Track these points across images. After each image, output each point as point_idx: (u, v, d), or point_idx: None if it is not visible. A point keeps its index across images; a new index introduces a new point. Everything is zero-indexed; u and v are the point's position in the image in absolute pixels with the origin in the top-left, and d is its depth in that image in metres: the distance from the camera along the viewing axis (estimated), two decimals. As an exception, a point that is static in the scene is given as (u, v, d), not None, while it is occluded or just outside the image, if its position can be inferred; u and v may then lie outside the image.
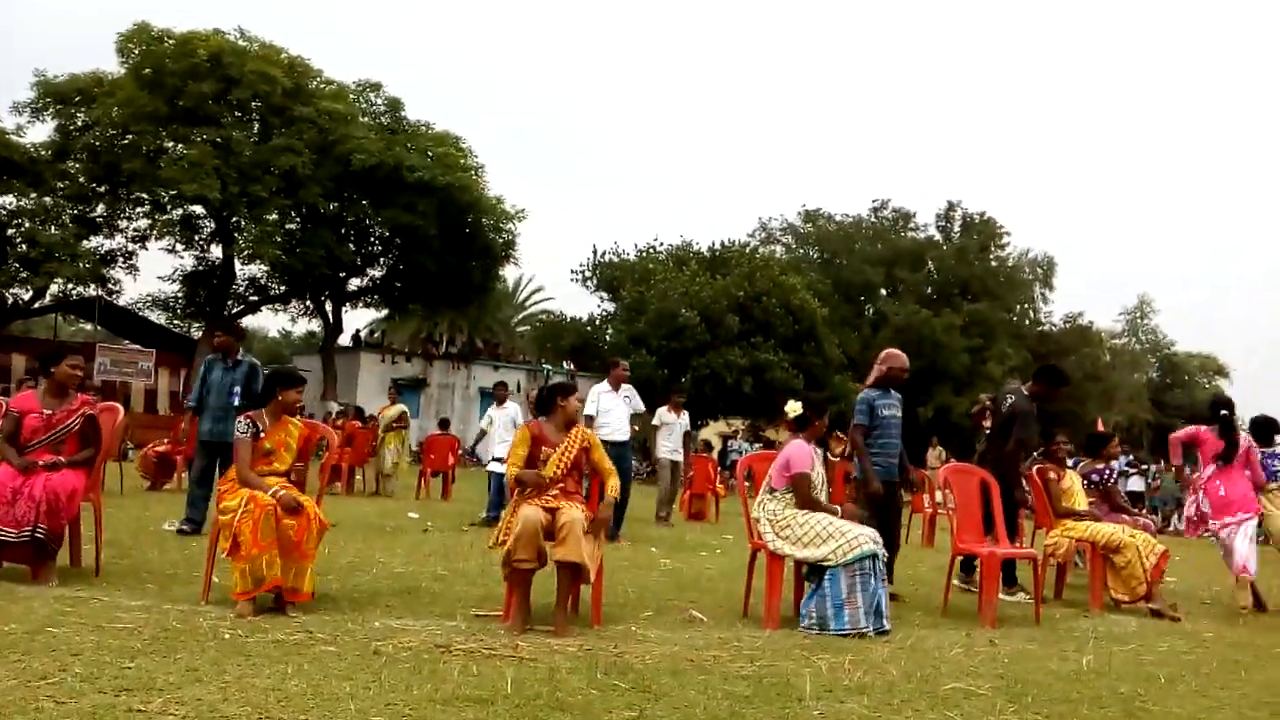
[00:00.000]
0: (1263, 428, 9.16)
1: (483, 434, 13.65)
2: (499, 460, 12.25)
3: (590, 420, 10.97)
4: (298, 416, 6.32)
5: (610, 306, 38.39)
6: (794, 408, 6.47)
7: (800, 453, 6.26)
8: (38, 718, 3.40)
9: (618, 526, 10.62)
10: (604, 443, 10.70)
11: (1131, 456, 29.70)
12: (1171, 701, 4.70)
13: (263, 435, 5.92)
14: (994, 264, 44.67)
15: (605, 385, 11.57)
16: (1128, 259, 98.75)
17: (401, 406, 17.15)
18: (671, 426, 13.91)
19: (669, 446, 13.92)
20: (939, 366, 39.05)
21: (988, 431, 9.14)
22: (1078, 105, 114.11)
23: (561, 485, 5.87)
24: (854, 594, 5.81)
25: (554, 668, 4.55)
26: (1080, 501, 8.55)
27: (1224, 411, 8.99)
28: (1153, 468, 27.45)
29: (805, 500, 6.16)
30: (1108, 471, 9.29)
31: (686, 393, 15.42)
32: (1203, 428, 9.14)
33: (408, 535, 10.07)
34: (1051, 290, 46.81)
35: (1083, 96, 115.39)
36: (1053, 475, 8.39)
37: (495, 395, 13.53)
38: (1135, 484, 24.31)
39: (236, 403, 8.91)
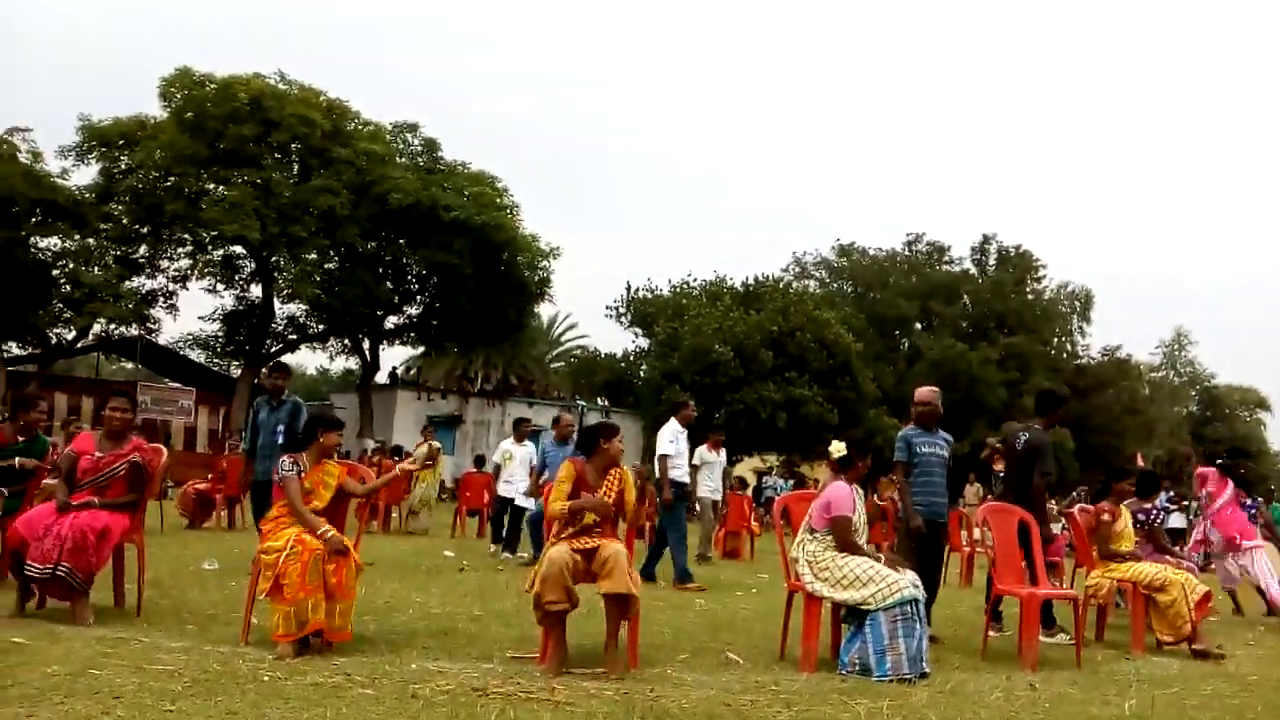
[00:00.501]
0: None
1: (497, 468, 13.44)
2: (525, 495, 12.28)
3: (666, 459, 10.93)
4: (334, 457, 6.41)
5: (644, 342, 38.47)
6: (838, 448, 6.42)
7: (842, 494, 6.20)
8: (81, 761, 3.43)
9: (653, 562, 10.63)
10: (672, 483, 10.75)
11: (1173, 492, 29.25)
12: (1216, 748, 4.63)
13: (303, 475, 6.01)
14: (1030, 297, 44.53)
15: (677, 425, 11.37)
16: (1168, 290, 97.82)
17: (435, 444, 17.15)
18: (713, 465, 13.82)
19: (710, 485, 13.82)
20: (975, 400, 38.82)
21: (1002, 474, 9.09)
22: (1114, 137, 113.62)
23: (599, 531, 5.85)
24: (896, 639, 5.74)
25: (590, 712, 4.54)
26: (1130, 541, 8.38)
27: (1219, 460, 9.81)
28: (1194, 504, 27.02)
29: (845, 544, 6.11)
30: (1154, 511, 9.15)
31: (724, 430, 15.35)
32: (1209, 469, 9.84)
33: (444, 575, 10.10)
34: (1089, 323, 46.59)
35: (1119, 128, 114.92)
36: (1107, 516, 8.19)
37: (517, 430, 13.51)
38: (1176, 520, 23.93)
39: (281, 441, 8.99)
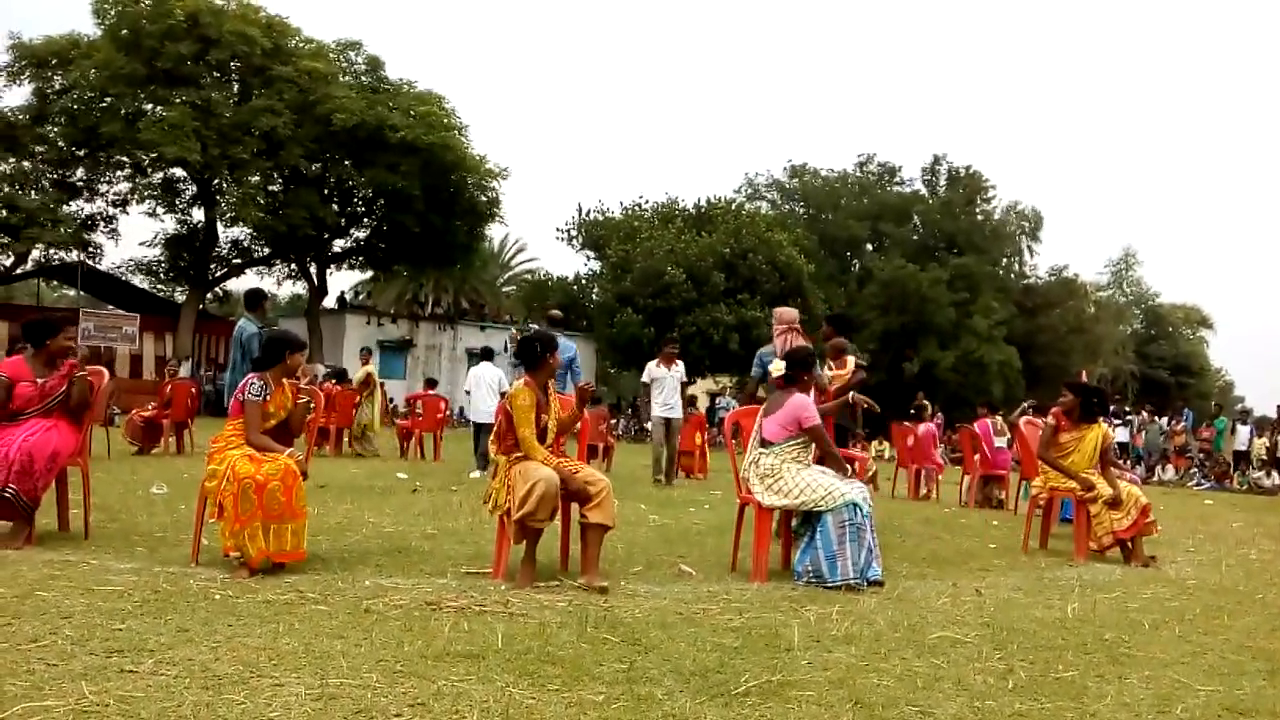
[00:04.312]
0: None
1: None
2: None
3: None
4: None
5: (596, 265, 38.34)
6: (778, 367, 6.50)
7: (810, 406, 6.30)
8: (30, 680, 3.41)
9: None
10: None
11: (1114, 408, 29.96)
12: (1155, 647, 4.76)
13: (269, 398, 5.92)
14: (980, 218, 44.78)
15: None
16: (1116, 211, 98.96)
17: (368, 368, 17.12)
18: (663, 381, 13.21)
19: (662, 402, 13.21)
20: (924, 321, 39.15)
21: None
22: (1065, 55, 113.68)
23: (551, 448, 5.86)
24: (844, 545, 5.85)
25: (544, 623, 4.58)
26: (1083, 460, 8.27)
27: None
28: (1137, 419, 27.67)
29: (828, 450, 6.31)
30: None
31: (678, 343, 14.54)
32: None
33: (396, 495, 10.09)
34: (1038, 243, 47.07)
35: (1070, 46, 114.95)
36: (1050, 419, 8.23)
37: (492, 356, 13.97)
38: (1120, 435, 24.61)
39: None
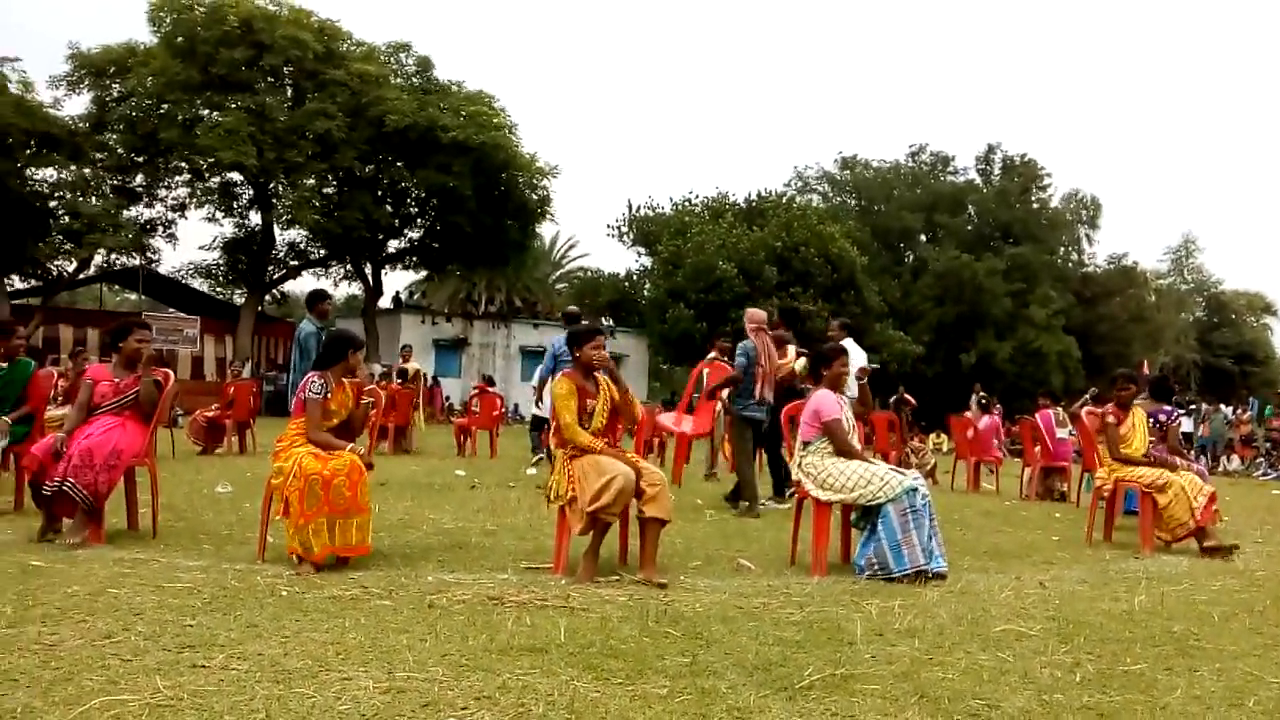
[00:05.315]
0: None
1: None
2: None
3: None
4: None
5: (647, 261, 38.30)
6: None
7: (827, 401, 6.30)
8: (105, 675, 3.49)
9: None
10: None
11: (1177, 398, 29.44)
12: (1225, 639, 4.68)
13: (329, 396, 5.99)
14: (1036, 206, 44.04)
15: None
16: (1176, 198, 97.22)
17: (415, 364, 17.48)
18: None
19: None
20: (981, 311, 38.65)
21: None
22: (1122, 40, 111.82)
23: (606, 438, 5.89)
24: (909, 532, 5.82)
25: (606, 617, 4.60)
26: (1142, 441, 8.24)
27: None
28: (1202, 408, 27.16)
29: (842, 446, 6.20)
30: (1174, 412, 9.10)
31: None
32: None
33: (455, 492, 10.16)
34: (1096, 231, 46.18)
35: (1127, 31, 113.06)
36: (1111, 419, 8.17)
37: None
38: (1185, 425, 24.19)
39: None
